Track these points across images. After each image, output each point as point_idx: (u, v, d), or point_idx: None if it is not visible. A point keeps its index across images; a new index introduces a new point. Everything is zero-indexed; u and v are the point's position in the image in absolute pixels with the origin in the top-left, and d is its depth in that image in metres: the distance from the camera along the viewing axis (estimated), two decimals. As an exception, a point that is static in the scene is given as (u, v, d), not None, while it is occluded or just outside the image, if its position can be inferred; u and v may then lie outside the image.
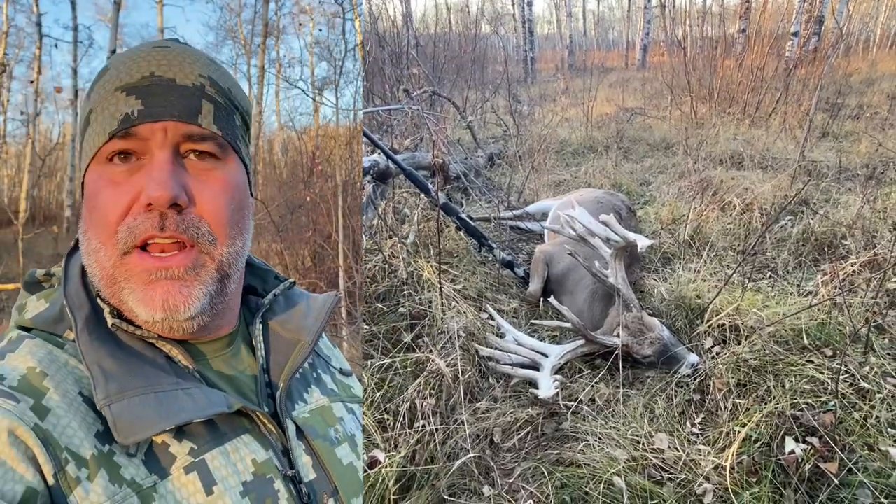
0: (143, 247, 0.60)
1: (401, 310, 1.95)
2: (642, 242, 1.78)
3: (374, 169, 2.40)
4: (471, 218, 2.85)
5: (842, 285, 1.96)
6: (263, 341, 0.71)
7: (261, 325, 0.71)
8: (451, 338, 1.66)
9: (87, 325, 0.60)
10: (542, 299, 2.41)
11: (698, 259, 2.78)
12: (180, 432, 0.58)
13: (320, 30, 10.43)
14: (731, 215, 3.04)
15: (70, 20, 9.81)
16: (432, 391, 1.45)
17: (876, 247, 2.72)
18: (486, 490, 1.31)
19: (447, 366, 1.50)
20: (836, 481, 1.28)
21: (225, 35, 12.58)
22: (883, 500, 1.25)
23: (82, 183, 0.64)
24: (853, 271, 2.61)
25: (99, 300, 0.62)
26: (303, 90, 13.68)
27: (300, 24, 10.80)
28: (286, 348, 0.71)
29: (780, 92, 6.79)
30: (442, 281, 1.99)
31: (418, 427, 1.35)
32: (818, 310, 1.87)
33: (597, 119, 7.18)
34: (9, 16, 9.74)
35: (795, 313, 1.83)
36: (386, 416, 1.39)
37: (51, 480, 0.52)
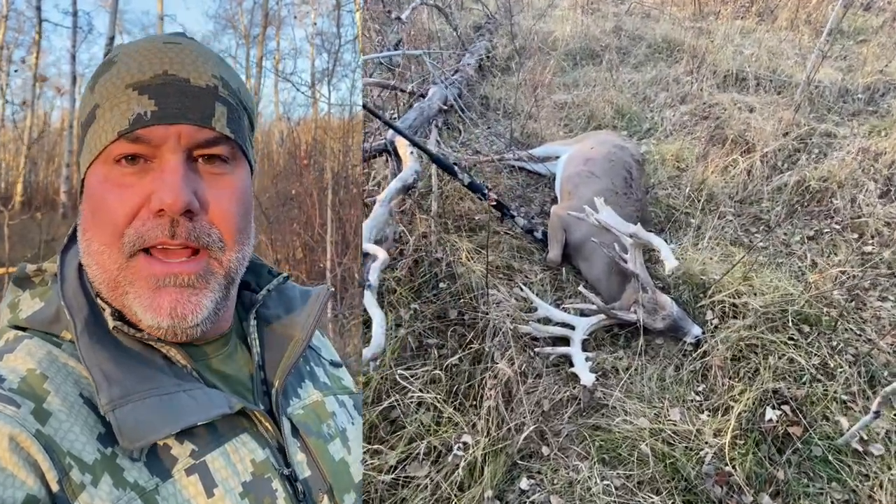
0: (147, 249, 0.63)
1: (441, 285, 2.44)
2: (670, 264, 2.26)
3: (415, 181, 2.67)
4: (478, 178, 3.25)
5: (830, 287, 2.56)
6: (258, 338, 0.76)
7: (255, 322, 0.77)
8: (501, 330, 2.20)
9: (86, 327, 0.63)
10: (562, 265, 2.94)
11: (702, 215, 3.32)
12: (182, 433, 0.62)
13: (314, 23, 10.42)
14: (731, 173, 3.55)
15: (70, 5, 9.99)
16: (494, 380, 2.01)
17: (862, 207, 3.31)
18: (545, 450, 1.93)
19: (507, 363, 2.05)
20: (799, 444, 1.95)
21: (225, 24, 13.31)
22: (829, 456, 1.93)
23: (83, 181, 0.66)
24: (837, 230, 3.23)
25: (99, 300, 0.66)
26: (293, 84, 14.07)
27: (295, 17, 11.06)
28: (281, 344, 0.76)
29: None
30: (477, 265, 2.47)
31: (489, 407, 1.92)
32: (802, 296, 2.47)
33: (591, -1, 7.19)
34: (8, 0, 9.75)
35: (783, 300, 2.42)
36: (464, 402, 1.96)
37: (55, 487, 0.55)
